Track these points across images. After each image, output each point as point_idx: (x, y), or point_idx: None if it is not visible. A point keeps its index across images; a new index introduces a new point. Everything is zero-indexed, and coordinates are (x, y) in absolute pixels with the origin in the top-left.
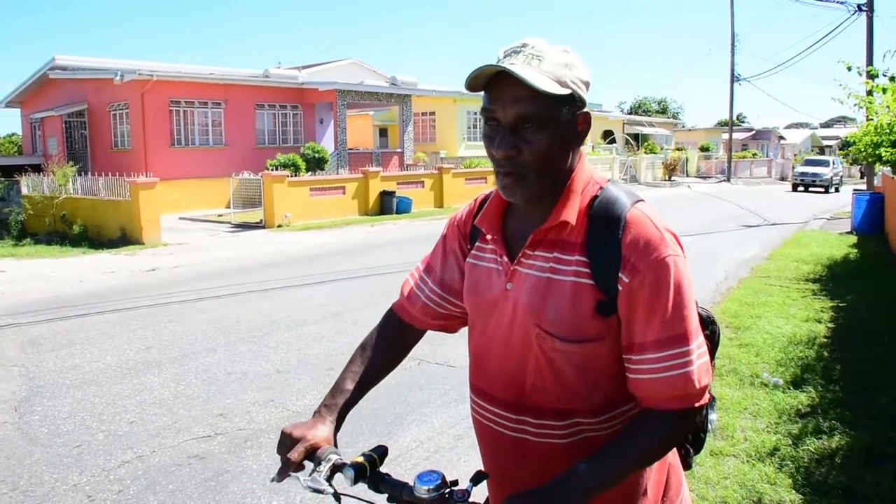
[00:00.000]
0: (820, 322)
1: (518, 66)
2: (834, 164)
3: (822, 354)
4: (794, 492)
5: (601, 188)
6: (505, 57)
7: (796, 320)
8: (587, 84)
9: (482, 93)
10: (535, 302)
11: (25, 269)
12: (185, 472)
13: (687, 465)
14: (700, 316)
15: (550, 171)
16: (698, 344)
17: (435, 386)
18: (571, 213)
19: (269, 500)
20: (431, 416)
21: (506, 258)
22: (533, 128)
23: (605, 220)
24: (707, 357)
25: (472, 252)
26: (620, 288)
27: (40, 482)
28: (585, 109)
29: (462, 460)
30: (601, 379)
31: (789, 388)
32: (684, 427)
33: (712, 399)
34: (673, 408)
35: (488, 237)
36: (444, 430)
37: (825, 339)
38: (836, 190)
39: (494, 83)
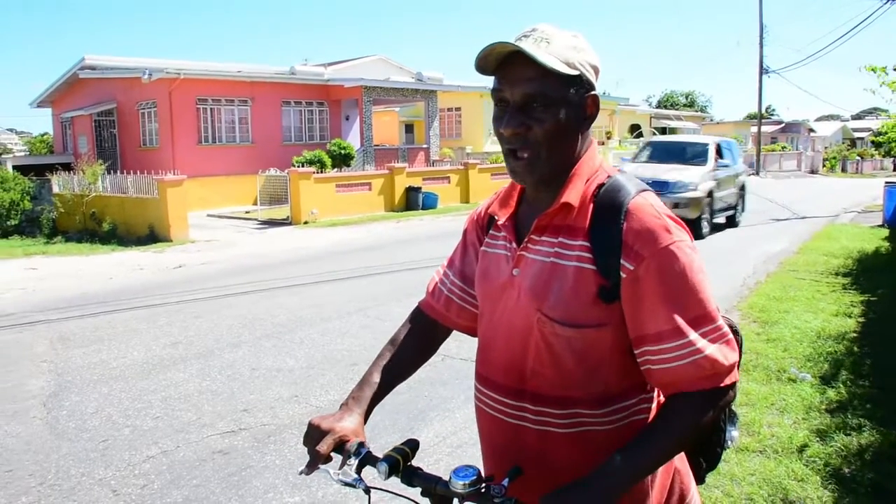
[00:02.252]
0: (850, 316)
1: (527, 46)
2: (720, 154)
3: (851, 349)
4: (821, 488)
5: (609, 176)
6: (515, 41)
7: (825, 314)
8: (596, 69)
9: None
10: (538, 286)
11: (56, 266)
12: (209, 467)
13: (699, 479)
14: None
15: (559, 151)
16: (720, 323)
17: (459, 381)
18: (574, 195)
19: (292, 495)
20: (455, 411)
21: (514, 244)
22: (541, 107)
23: (608, 207)
24: (731, 334)
25: (486, 240)
26: (624, 275)
27: (67, 476)
28: (594, 93)
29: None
30: (600, 368)
31: (818, 384)
32: (716, 405)
33: (734, 415)
34: (703, 388)
35: (499, 222)
36: (466, 426)
37: (855, 334)
38: (732, 223)
39: (504, 65)
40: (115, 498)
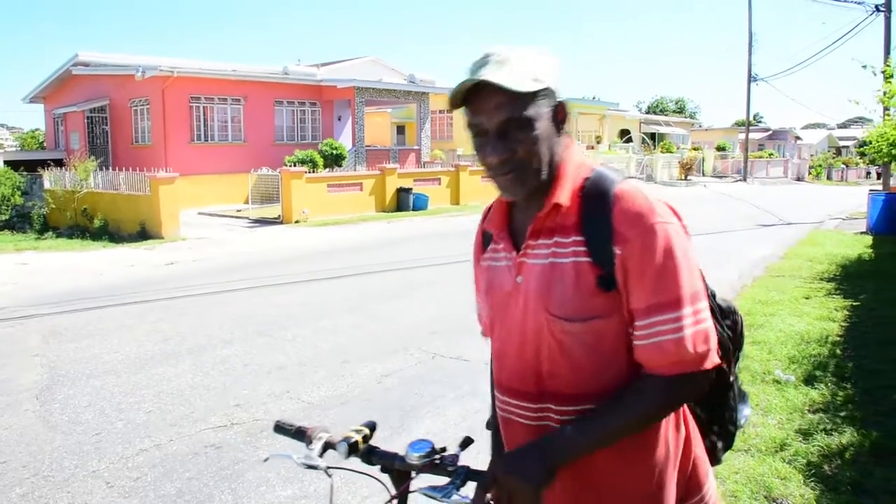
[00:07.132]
0: (833, 321)
1: (489, 74)
2: None
3: (834, 352)
4: (803, 486)
5: (592, 170)
6: (472, 73)
7: (810, 318)
8: (556, 74)
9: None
10: (541, 288)
11: (47, 261)
12: (202, 460)
13: (715, 460)
14: (720, 307)
15: (543, 162)
16: (695, 310)
17: (449, 380)
18: (563, 195)
19: (284, 488)
20: (445, 409)
21: (513, 251)
22: (518, 129)
23: (595, 198)
24: (709, 323)
25: (485, 255)
26: (616, 262)
27: (60, 468)
28: (560, 100)
29: (473, 453)
30: (613, 358)
31: (801, 386)
32: (681, 392)
33: (744, 394)
34: (669, 373)
35: (496, 235)
36: (457, 423)
37: (838, 338)
38: None
39: (473, 97)
40: (109, 490)
